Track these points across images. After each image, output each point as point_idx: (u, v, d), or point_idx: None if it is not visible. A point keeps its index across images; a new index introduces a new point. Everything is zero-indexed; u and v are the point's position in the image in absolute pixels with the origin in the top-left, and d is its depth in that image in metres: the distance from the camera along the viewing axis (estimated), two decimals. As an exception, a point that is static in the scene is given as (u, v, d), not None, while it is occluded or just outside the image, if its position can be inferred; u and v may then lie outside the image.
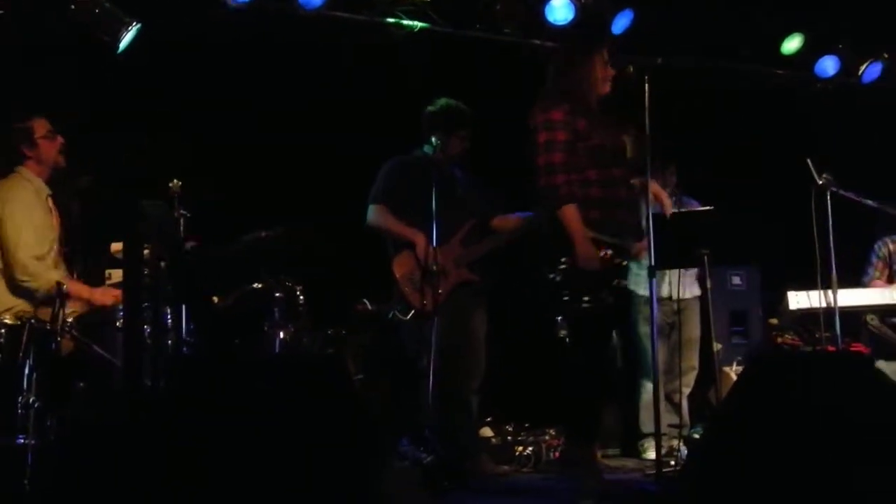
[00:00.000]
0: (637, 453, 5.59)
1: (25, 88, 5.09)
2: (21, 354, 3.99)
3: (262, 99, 5.91)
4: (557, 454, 5.03)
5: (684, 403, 5.69)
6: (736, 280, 6.38)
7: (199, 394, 3.41)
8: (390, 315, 4.90)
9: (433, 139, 4.95)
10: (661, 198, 4.37)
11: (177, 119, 5.54)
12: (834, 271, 4.82)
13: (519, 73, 5.51)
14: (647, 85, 4.24)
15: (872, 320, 5.13)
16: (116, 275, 4.52)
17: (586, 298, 4.03)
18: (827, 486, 3.57)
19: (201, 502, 3.21)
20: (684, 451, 5.04)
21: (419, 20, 5.92)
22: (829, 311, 4.85)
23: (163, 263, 4.17)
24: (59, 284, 4.17)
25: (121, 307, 4.29)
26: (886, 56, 6.91)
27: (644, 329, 5.53)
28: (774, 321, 6.09)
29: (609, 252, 4.06)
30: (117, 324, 4.31)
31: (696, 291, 5.69)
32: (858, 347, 5.47)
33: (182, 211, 4.49)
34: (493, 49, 6.11)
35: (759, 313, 6.29)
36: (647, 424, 5.57)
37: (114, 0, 4.95)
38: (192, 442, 3.24)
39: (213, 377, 3.48)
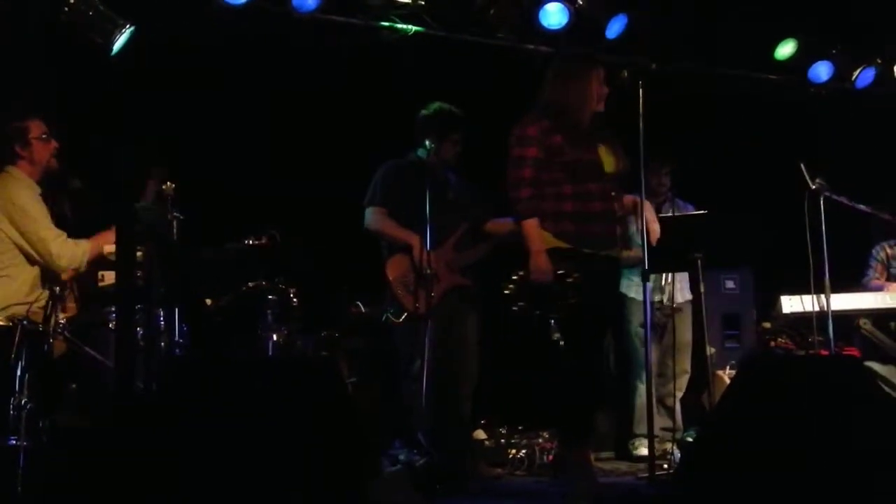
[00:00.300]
0: (629, 454, 5.59)
1: (22, 90, 5.09)
2: (13, 356, 3.97)
3: (255, 102, 5.91)
4: (551, 457, 5.03)
5: (677, 407, 5.69)
6: (729, 284, 6.38)
7: (191, 396, 3.41)
8: (383, 318, 4.90)
9: (426, 143, 4.95)
10: (651, 225, 4.38)
11: (169, 122, 5.54)
12: (827, 275, 4.83)
13: (515, 77, 5.53)
14: (640, 90, 4.25)
15: (865, 324, 5.13)
16: (109, 276, 4.52)
17: (537, 312, 4.09)
18: (819, 490, 3.58)
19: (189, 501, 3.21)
20: (677, 454, 5.04)
21: (413, 24, 5.92)
22: (821, 315, 4.86)
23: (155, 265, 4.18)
24: (53, 288, 4.18)
25: (113, 310, 4.29)
26: (879, 62, 6.93)
27: (637, 332, 5.55)
28: (767, 325, 6.09)
29: (565, 269, 4.13)
30: (110, 325, 4.31)
31: (689, 296, 5.70)
32: (851, 351, 5.48)
33: (175, 213, 4.50)
34: (490, 53, 6.11)
35: (752, 317, 6.29)
36: (640, 427, 5.58)
37: (108, 1, 4.94)
38: (184, 444, 3.24)
39: (205, 379, 3.48)
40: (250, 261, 4.84)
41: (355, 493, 3.50)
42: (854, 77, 6.85)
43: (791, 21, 6.59)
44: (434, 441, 4.61)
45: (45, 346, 4.06)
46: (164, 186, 4.55)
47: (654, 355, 5.58)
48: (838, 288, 5.03)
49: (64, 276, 4.48)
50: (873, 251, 5.67)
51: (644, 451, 4.96)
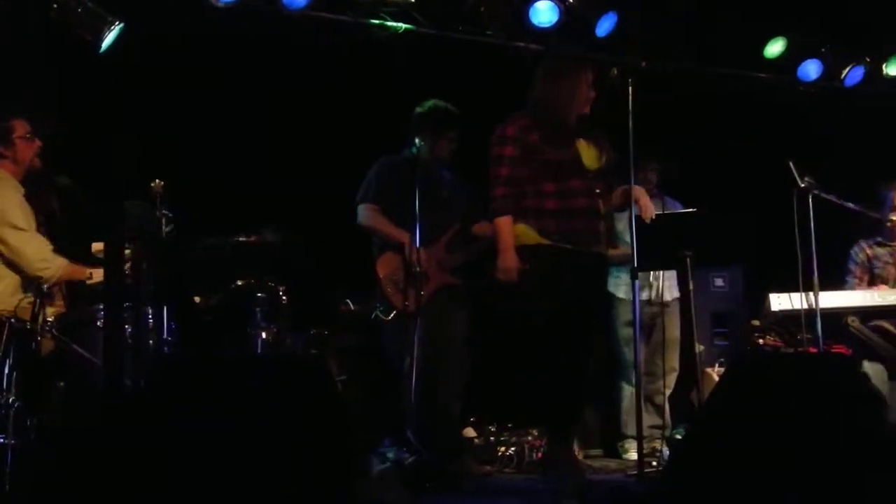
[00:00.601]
0: (619, 454, 5.59)
1: (7, 89, 5.07)
2: (1, 354, 3.96)
3: (246, 99, 5.90)
4: (540, 454, 5.03)
5: (666, 405, 5.70)
6: (718, 282, 6.40)
7: (180, 395, 3.40)
8: (373, 315, 4.89)
9: (418, 141, 4.95)
10: (642, 201, 4.38)
11: (160, 119, 5.52)
12: (816, 273, 4.84)
13: (511, 75, 5.52)
14: (630, 88, 4.26)
15: (854, 322, 5.13)
16: (97, 274, 4.50)
17: (504, 306, 4.12)
18: (807, 488, 3.59)
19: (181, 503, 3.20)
20: (666, 451, 5.05)
21: (403, 21, 5.91)
22: (810, 313, 4.87)
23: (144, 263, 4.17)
24: (41, 283, 4.17)
25: (102, 307, 4.28)
26: (869, 60, 6.95)
27: (623, 331, 5.55)
28: (756, 323, 6.10)
29: (528, 267, 4.17)
30: (98, 323, 4.29)
31: (676, 293, 5.71)
32: (840, 349, 5.49)
33: (164, 211, 4.49)
34: (484, 50, 6.11)
35: (741, 315, 6.30)
36: (628, 426, 5.59)
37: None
38: (172, 443, 3.23)
39: (194, 378, 3.46)
40: (240, 258, 4.83)
41: (345, 491, 3.49)
42: (843, 75, 6.87)
43: (781, 19, 6.60)
44: (423, 439, 4.61)
45: (33, 345, 4.06)
46: (152, 184, 4.54)
47: (641, 354, 5.60)
48: (827, 286, 5.04)
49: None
50: (852, 253, 5.63)
51: (633, 454, 4.97)
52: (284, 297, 4.86)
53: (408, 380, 4.62)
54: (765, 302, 5.18)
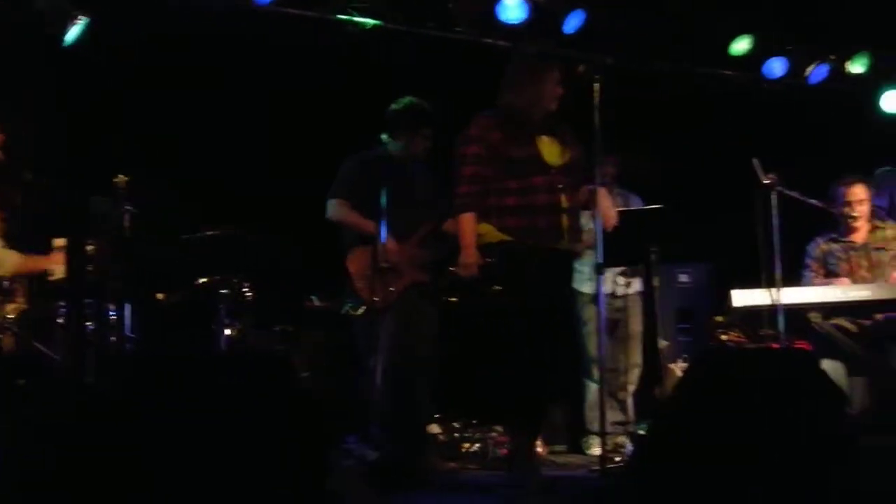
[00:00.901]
0: (583, 450, 5.62)
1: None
2: (-40, 352, 3.94)
3: (213, 93, 5.87)
4: (504, 451, 5.04)
5: (629, 400, 5.73)
6: (683, 278, 6.43)
7: (141, 392, 3.38)
8: (343, 310, 4.88)
9: (385, 137, 4.95)
10: (606, 213, 4.39)
11: (126, 114, 5.49)
12: (778, 269, 4.87)
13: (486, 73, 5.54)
14: (597, 85, 4.27)
15: (816, 318, 5.17)
16: (59, 270, 4.47)
17: (464, 302, 4.13)
18: (770, 483, 3.62)
19: (141, 501, 3.19)
20: (630, 447, 5.08)
21: (372, 17, 5.91)
22: (772, 309, 4.89)
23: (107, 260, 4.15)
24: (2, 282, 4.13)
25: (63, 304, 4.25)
26: (833, 58, 7.01)
27: (586, 327, 5.57)
28: (720, 319, 6.14)
29: (490, 261, 4.20)
30: (60, 321, 4.26)
31: (639, 287, 5.73)
32: (802, 345, 5.53)
33: (128, 206, 4.46)
34: (466, 48, 6.12)
35: (705, 311, 6.34)
36: (592, 422, 5.61)
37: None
38: (133, 440, 3.21)
39: (156, 375, 3.44)
40: (204, 254, 4.81)
41: (311, 488, 3.49)
42: (808, 73, 6.93)
43: (747, 18, 6.65)
44: (388, 435, 4.61)
45: (-7, 342, 4.03)
46: (116, 180, 4.51)
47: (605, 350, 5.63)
48: (790, 282, 5.07)
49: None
50: (808, 248, 5.63)
51: (597, 450, 4.99)
52: (249, 294, 4.84)
53: (374, 375, 4.62)
54: (728, 298, 5.20)
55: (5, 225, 4.64)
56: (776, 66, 6.85)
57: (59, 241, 4.41)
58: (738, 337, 6.05)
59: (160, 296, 4.78)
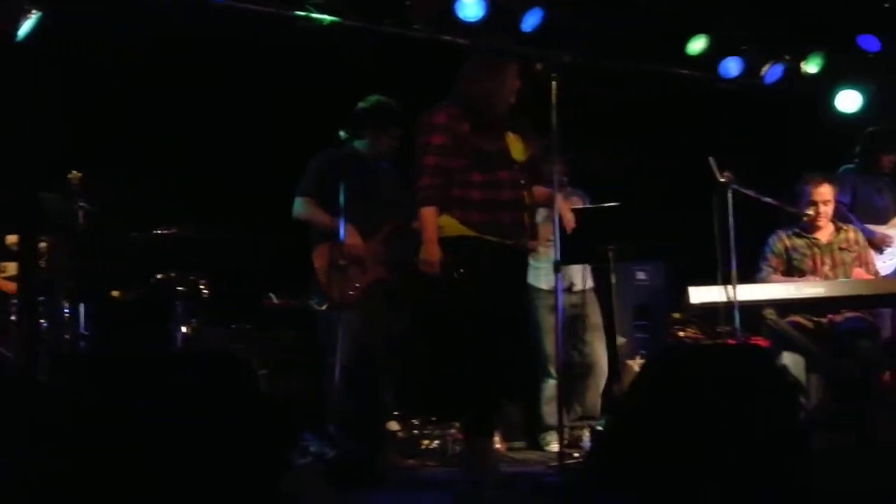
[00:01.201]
0: (541, 447, 5.63)
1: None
2: None
3: (171, 91, 5.83)
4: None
5: (590, 395, 5.73)
6: (640, 275, 6.46)
7: (94, 390, 3.34)
8: (309, 305, 4.86)
9: (342, 133, 4.94)
10: (565, 216, 4.40)
11: (83, 111, 5.44)
12: (734, 266, 4.90)
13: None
14: (554, 83, 4.28)
15: (770, 315, 5.21)
16: (11, 268, 4.41)
17: (428, 299, 4.10)
18: (725, 478, 3.65)
19: (96, 501, 3.15)
20: (587, 443, 5.10)
21: (330, 14, 5.89)
22: (729, 306, 4.93)
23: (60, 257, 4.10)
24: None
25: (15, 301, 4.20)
26: (788, 58, 7.10)
27: (545, 323, 5.57)
28: (677, 316, 6.18)
29: (451, 259, 4.13)
30: (11, 318, 4.21)
31: (591, 283, 5.74)
32: (758, 341, 5.58)
33: (82, 203, 4.41)
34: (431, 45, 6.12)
35: (663, 308, 6.38)
36: (549, 418, 5.62)
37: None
38: (84, 440, 3.17)
39: (109, 373, 3.41)
40: (160, 252, 4.77)
41: (266, 486, 3.47)
42: (763, 73, 7.01)
43: (703, 17, 6.71)
44: (346, 433, 4.60)
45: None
46: (70, 176, 4.46)
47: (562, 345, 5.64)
48: (746, 279, 5.11)
49: None
50: (769, 241, 5.64)
51: (555, 447, 5.01)
52: (206, 292, 4.81)
53: (333, 373, 4.60)
54: (685, 295, 5.23)
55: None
56: (732, 66, 6.92)
57: (12, 239, 4.35)
58: (696, 334, 6.09)
59: (115, 293, 4.73)
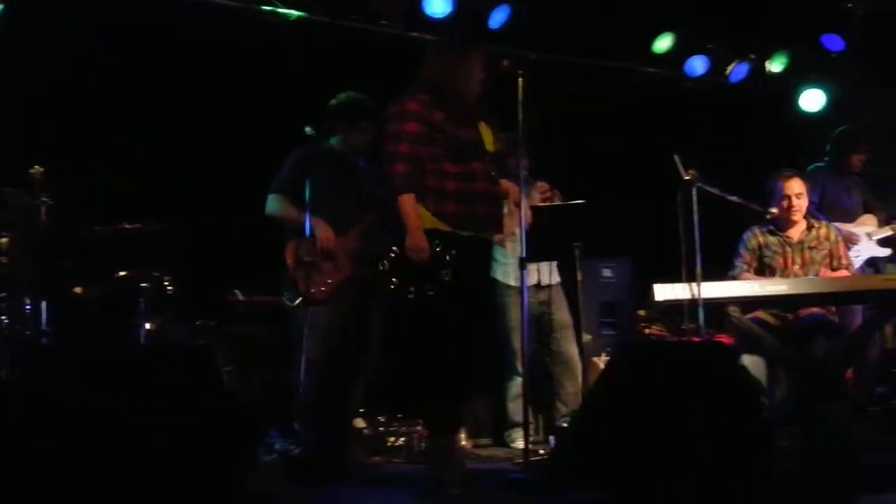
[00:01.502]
0: (506, 444, 5.64)
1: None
2: None
3: (136, 85, 5.79)
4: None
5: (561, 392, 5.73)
6: (606, 272, 6.46)
7: (56, 386, 3.32)
8: (282, 299, 4.84)
9: (307, 130, 4.93)
10: (526, 211, 4.40)
11: (46, 104, 5.39)
12: (699, 264, 4.93)
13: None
14: (521, 80, 4.28)
15: (734, 312, 5.25)
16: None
17: (411, 289, 4.04)
18: (688, 473, 3.68)
19: (61, 497, 3.13)
20: (553, 440, 5.12)
21: (296, 9, 5.87)
22: (693, 303, 4.95)
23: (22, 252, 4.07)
24: None
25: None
26: (753, 57, 7.16)
27: (512, 320, 5.58)
28: (642, 313, 6.22)
29: (441, 246, 4.07)
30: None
31: (558, 278, 5.75)
32: (722, 338, 5.62)
33: (44, 198, 4.37)
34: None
35: (629, 305, 6.41)
36: (515, 415, 5.62)
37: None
38: (46, 435, 3.15)
39: (72, 369, 3.39)
40: (123, 247, 4.74)
41: (229, 484, 3.46)
42: (728, 71, 7.07)
43: (669, 16, 6.75)
44: (311, 429, 4.58)
45: None
46: (31, 171, 4.42)
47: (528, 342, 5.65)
48: (711, 276, 5.14)
49: None
50: (744, 238, 5.67)
51: (521, 443, 5.01)
52: (170, 288, 4.78)
53: (300, 369, 4.58)
54: (650, 292, 5.26)
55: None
56: (697, 65, 6.98)
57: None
58: (661, 331, 6.14)
59: (78, 289, 4.69)
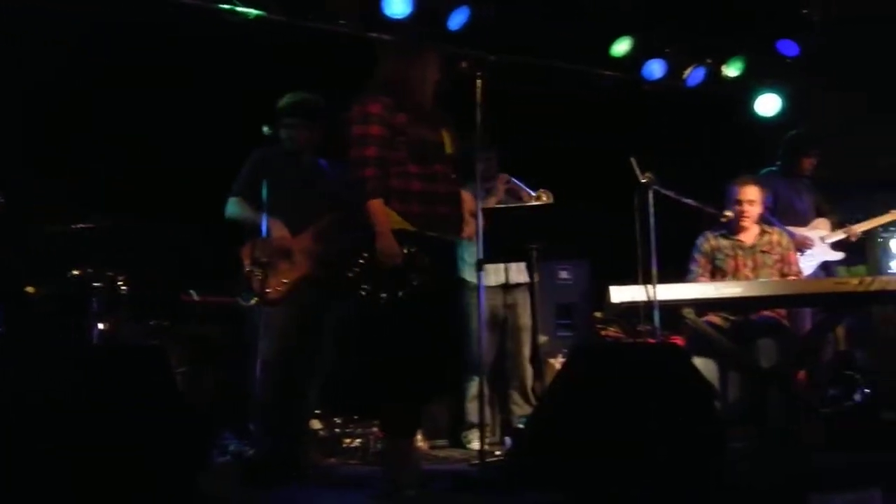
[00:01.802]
0: (462, 444, 5.65)
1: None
2: None
3: (94, 83, 5.73)
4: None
5: (530, 394, 5.74)
6: (563, 274, 6.50)
7: (5, 386, 3.28)
8: (238, 299, 4.81)
9: (265, 129, 4.90)
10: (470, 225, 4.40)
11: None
12: (654, 266, 4.96)
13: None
14: (479, 81, 4.28)
15: (689, 314, 5.29)
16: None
17: (383, 294, 4.02)
18: (643, 474, 3.71)
19: (6, 497, 3.09)
20: (508, 441, 5.12)
21: (254, 8, 5.84)
22: (649, 305, 4.98)
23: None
24: None
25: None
26: (710, 61, 7.22)
27: (475, 321, 5.57)
28: (599, 314, 6.25)
29: (413, 250, 4.07)
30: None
31: (527, 278, 5.76)
32: (677, 340, 5.66)
33: (-6, 196, 4.32)
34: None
35: (586, 307, 6.44)
36: (472, 416, 5.63)
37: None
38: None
39: (21, 368, 3.34)
40: (75, 246, 4.69)
41: (181, 485, 3.43)
42: (685, 75, 7.13)
43: (627, 20, 6.79)
44: (266, 430, 4.56)
45: None
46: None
47: (494, 343, 5.66)
48: (666, 279, 5.17)
49: None
50: (697, 242, 5.73)
51: (476, 445, 5.02)
52: (124, 287, 4.73)
53: (255, 370, 4.56)
54: (606, 294, 5.28)
55: None
56: (655, 68, 7.03)
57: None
58: (617, 332, 6.17)
59: (30, 289, 4.63)
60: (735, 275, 5.58)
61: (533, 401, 5.68)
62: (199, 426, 3.85)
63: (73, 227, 4.67)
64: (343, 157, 4.21)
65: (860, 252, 6.65)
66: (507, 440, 5.23)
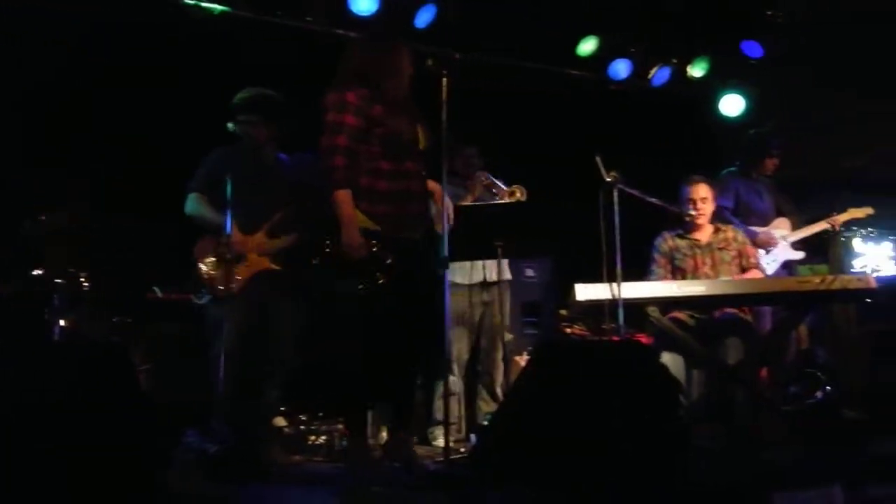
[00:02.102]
0: (428, 441, 5.64)
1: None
2: None
3: (57, 78, 5.67)
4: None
5: (498, 391, 5.74)
6: (529, 272, 6.51)
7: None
8: (193, 297, 4.78)
9: (230, 126, 4.88)
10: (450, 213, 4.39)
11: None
12: (619, 264, 4.98)
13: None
14: (445, 79, 4.28)
15: (654, 312, 5.31)
16: None
17: (343, 285, 4.01)
18: (608, 471, 3.72)
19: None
20: (474, 438, 5.13)
21: (219, 3, 5.81)
22: (614, 303, 5.00)
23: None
24: None
25: None
26: (675, 62, 7.27)
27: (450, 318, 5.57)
28: (564, 312, 6.27)
29: (380, 247, 4.04)
30: None
31: (508, 275, 5.75)
32: (642, 338, 5.69)
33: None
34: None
35: (551, 305, 6.45)
36: (441, 413, 5.62)
37: None
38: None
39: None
40: (38, 243, 4.64)
41: (144, 483, 3.40)
42: (651, 75, 7.17)
43: (593, 19, 6.82)
44: (229, 426, 4.53)
45: None
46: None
47: (467, 342, 5.65)
48: (631, 277, 5.19)
49: None
50: (656, 243, 5.75)
51: (441, 442, 5.02)
52: (86, 284, 4.69)
53: (216, 366, 4.53)
54: (571, 292, 5.30)
55: None
56: (621, 68, 7.07)
57: None
58: (582, 330, 6.19)
59: (-8, 286, 4.59)
60: (695, 273, 5.62)
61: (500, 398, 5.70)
62: (162, 423, 3.82)
63: (34, 223, 4.62)
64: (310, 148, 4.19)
65: (823, 251, 6.71)
66: (472, 437, 5.23)
